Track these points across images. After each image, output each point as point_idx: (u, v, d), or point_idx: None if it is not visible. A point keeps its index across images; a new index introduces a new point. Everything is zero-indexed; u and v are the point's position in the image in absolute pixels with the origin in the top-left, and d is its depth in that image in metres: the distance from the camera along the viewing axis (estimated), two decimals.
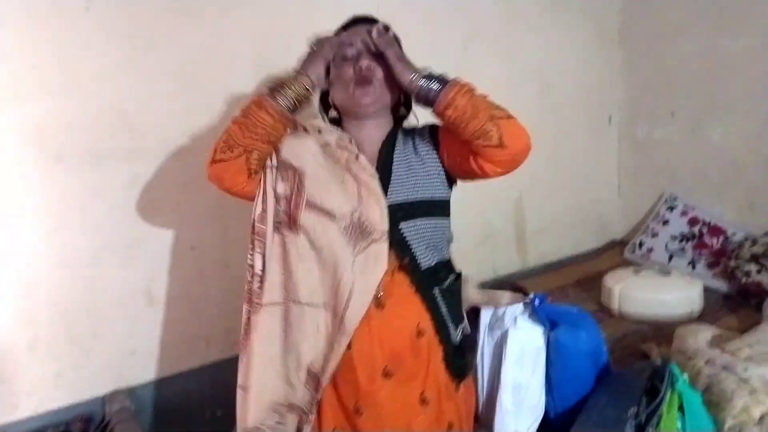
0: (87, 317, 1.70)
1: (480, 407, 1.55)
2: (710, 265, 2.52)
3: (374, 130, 1.29)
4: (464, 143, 1.16)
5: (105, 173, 1.68)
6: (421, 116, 1.33)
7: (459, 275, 1.34)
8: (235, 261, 1.85)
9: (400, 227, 1.21)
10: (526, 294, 1.63)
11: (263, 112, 1.15)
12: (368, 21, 1.27)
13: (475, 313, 1.59)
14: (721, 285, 2.42)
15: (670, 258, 2.65)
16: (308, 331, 1.20)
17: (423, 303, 1.23)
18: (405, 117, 1.37)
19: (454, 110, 1.13)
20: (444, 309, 1.26)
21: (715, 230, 2.57)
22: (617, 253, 2.88)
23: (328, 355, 1.20)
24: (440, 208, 1.28)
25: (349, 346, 1.19)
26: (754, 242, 2.35)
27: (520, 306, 1.58)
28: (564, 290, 2.48)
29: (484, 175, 1.19)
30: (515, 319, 1.55)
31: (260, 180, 1.22)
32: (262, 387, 1.21)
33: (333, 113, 1.36)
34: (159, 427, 1.83)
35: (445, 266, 1.30)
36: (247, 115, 1.16)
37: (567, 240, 2.86)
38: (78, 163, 1.64)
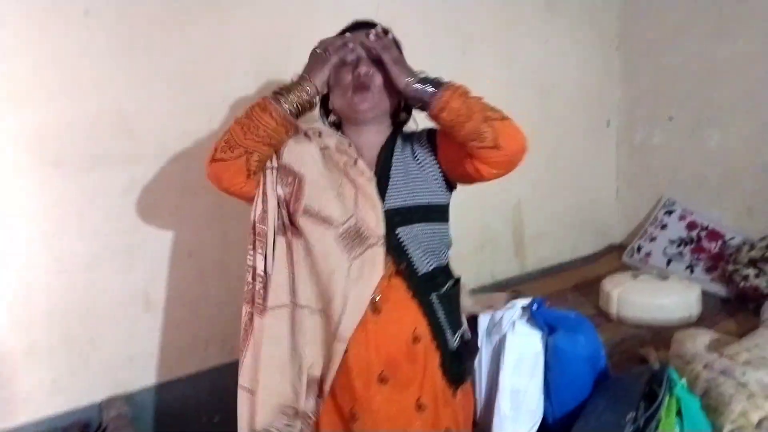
0: (84, 322, 1.69)
1: (478, 412, 1.55)
2: (708, 270, 2.52)
3: (373, 136, 1.29)
4: (460, 146, 1.16)
5: (103, 177, 1.67)
6: (421, 121, 1.33)
7: (457, 281, 1.34)
8: (234, 264, 1.84)
9: (397, 232, 1.21)
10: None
11: (266, 114, 1.15)
12: (369, 26, 1.27)
13: (474, 319, 1.59)
14: (719, 289, 2.42)
15: (669, 262, 2.65)
16: (308, 335, 1.20)
17: (420, 309, 1.23)
18: (405, 122, 1.37)
19: (448, 113, 1.13)
20: (441, 315, 1.25)
21: (713, 234, 2.57)
22: (615, 257, 2.88)
23: (327, 361, 1.20)
24: (438, 213, 1.28)
25: (345, 351, 1.18)
26: (752, 246, 2.35)
27: (518, 311, 1.58)
28: (562, 295, 2.47)
29: (481, 178, 1.19)
30: (513, 324, 1.55)
31: (259, 181, 1.22)
32: (271, 389, 1.20)
33: (333, 117, 1.36)
34: None
35: (443, 271, 1.30)
36: (250, 117, 1.16)
37: (565, 244, 2.86)
38: (76, 166, 1.63)
